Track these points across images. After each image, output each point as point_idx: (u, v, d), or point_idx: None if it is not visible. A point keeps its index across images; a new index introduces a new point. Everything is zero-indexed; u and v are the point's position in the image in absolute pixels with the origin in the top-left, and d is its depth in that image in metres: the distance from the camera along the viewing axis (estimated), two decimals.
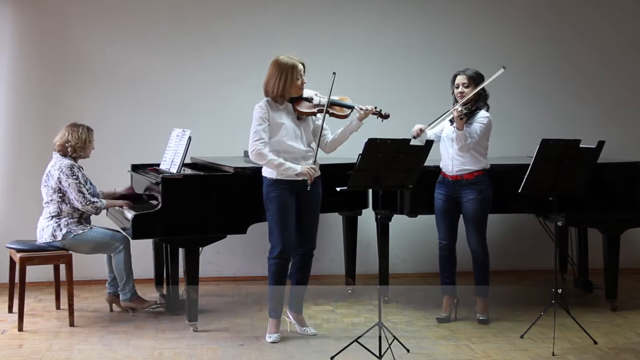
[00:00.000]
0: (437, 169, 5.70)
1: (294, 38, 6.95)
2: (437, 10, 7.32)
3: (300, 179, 5.14)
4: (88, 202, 5.69)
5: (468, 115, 5.40)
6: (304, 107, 5.22)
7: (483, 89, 5.53)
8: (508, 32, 7.37)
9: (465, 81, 5.52)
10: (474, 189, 5.52)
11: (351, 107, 5.26)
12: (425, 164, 5.06)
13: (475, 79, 5.53)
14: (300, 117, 5.26)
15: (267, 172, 5.24)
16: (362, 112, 5.19)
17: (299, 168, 5.11)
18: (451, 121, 5.47)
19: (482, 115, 5.52)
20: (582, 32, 7.46)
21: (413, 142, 5.01)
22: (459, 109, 5.33)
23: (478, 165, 5.54)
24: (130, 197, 6.10)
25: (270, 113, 5.17)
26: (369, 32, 7.23)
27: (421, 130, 5.47)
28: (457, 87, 5.55)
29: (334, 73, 5.04)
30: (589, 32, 7.46)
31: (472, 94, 5.46)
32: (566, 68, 7.45)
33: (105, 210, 5.94)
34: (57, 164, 5.74)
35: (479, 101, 5.53)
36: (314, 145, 5.32)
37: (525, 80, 7.36)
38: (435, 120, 5.52)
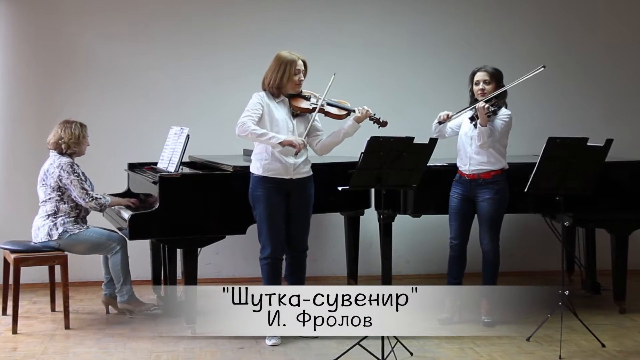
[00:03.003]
0: (442, 168, 5.66)
1: (295, 35, 6.91)
2: (441, 7, 7.26)
3: (288, 177, 5.13)
4: (91, 199, 5.63)
5: (495, 112, 5.31)
6: (300, 103, 5.23)
7: (503, 86, 5.45)
8: (514, 29, 7.32)
9: (487, 77, 5.44)
10: (491, 188, 5.45)
11: (348, 110, 5.25)
12: (429, 163, 5.04)
13: (496, 75, 5.47)
14: (295, 113, 5.25)
15: (254, 169, 5.23)
16: (360, 113, 5.16)
17: (282, 137, 5.07)
18: (471, 118, 5.41)
19: (504, 112, 5.46)
20: (590, 29, 7.40)
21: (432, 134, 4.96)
22: (485, 105, 5.25)
23: (496, 165, 5.47)
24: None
25: (267, 102, 5.16)
26: (370, 29, 7.17)
27: (448, 117, 5.38)
28: (477, 84, 5.47)
29: (334, 74, 5.03)
30: (597, 30, 7.41)
31: (501, 90, 5.38)
32: (573, 66, 7.39)
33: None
34: (56, 161, 5.69)
35: (501, 98, 5.44)
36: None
37: (531, 78, 7.26)
38: (462, 110, 5.44)
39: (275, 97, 5.21)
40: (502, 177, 5.48)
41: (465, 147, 5.50)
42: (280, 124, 5.16)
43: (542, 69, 5.27)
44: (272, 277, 5.20)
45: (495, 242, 5.51)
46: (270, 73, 5.18)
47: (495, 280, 5.59)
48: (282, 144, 5.07)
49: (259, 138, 5.07)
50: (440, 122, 5.41)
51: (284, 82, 5.16)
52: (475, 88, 5.48)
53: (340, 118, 5.27)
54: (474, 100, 5.50)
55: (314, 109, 5.21)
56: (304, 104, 5.23)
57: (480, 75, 5.46)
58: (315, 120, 5.28)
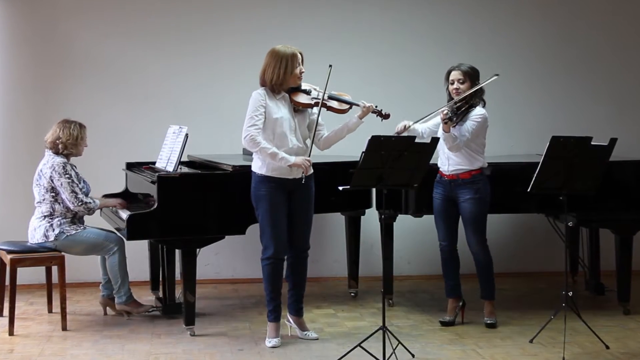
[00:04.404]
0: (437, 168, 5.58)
1: (294, 32, 6.86)
2: (444, 3, 7.21)
3: (292, 177, 5.06)
4: (80, 203, 5.58)
5: (452, 118, 5.22)
6: (301, 99, 5.13)
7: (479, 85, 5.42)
8: (517, 27, 7.28)
9: (461, 77, 5.40)
10: (471, 188, 5.40)
11: (350, 104, 5.18)
12: (432, 162, 4.99)
13: (471, 74, 5.41)
14: (296, 108, 5.17)
15: (256, 167, 5.15)
16: (362, 110, 5.11)
17: (292, 159, 5.01)
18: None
19: (477, 112, 5.39)
20: (592, 27, 7.36)
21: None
22: (445, 111, 5.19)
23: (475, 164, 5.42)
24: (124, 197, 6.02)
25: (268, 102, 5.07)
26: (370, 26, 7.14)
27: (405, 127, 5.30)
28: (452, 83, 5.43)
29: (330, 65, 4.94)
30: (599, 27, 7.36)
31: (465, 94, 5.32)
32: (576, 64, 7.35)
33: (99, 210, 5.82)
34: (50, 162, 5.64)
35: (474, 98, 5.39)
36: (308, 142, 5.23)
37: (534, 76, 7.28)
38: (424, 117, 5.38)
39: (275, 94, 5.12)
40: (481, 177, 5.44)
41: (443, 148, 5.44)
42: (283, 123, 5.08)
43: (496, 77, 5.25)
44: (273, 277, 5.14)
45: (482, 243, 5.47)
46: (272, 70, 5.06)
47: (493, 280, 5.54)
48: (291, 167, 5.02)
49: (269, 157, 5.01)
50: (398, 133, 5.27)
51: (287, 77, 5.07)
52: (450, 87, 5.44)
53: (342, 112, 5.20)
54: (450, 100, 5.44)
55: (316, 104, 5.14)
56: (305, 99, 5.14)
57: (454, 75, 5.42)
58: (315, 115, 5.21)
